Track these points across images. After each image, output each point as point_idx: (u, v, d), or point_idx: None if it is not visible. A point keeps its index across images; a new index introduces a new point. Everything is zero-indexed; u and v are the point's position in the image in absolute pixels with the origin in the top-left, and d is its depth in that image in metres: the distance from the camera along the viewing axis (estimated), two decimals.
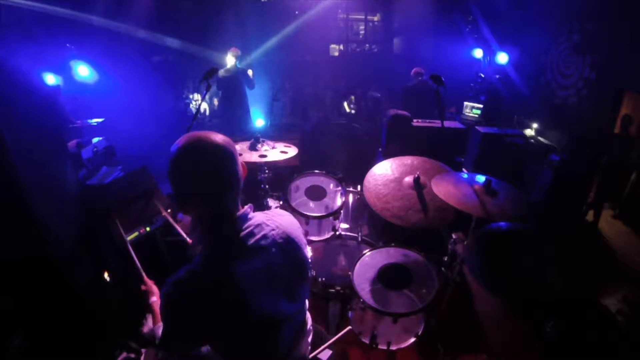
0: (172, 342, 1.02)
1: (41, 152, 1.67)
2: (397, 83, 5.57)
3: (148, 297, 1.40)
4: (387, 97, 6.32)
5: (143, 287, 1.45)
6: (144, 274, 1.53)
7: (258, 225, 1.07)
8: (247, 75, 4.84)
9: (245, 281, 0.98)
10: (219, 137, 0.98)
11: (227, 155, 0.98)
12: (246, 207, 1.08)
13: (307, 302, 1.27)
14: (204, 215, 1.02)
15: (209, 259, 0.99)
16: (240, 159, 1.04)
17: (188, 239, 1.71)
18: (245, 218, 1.05)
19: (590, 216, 3.26)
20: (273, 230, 1.09)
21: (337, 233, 2.44)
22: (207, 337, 1.00)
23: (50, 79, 4.70)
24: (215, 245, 1.01)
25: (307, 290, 1.23)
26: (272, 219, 1.12)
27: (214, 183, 0.97)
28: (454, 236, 2.03)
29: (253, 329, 1.01)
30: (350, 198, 2.65)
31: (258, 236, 1.05)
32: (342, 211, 2.42)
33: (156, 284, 1.48)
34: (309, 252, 2.36)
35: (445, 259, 2.08)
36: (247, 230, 1.04)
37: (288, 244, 1.11)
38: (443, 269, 2.08)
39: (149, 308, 1.38)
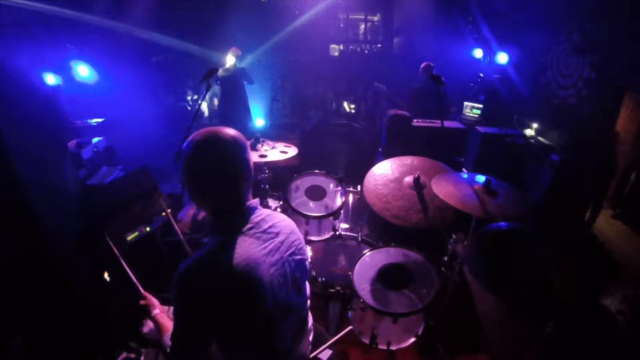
0: (185, 342, 0.99)
1: (41, 152, 1.67)
2: (397, 83, 5.57)
3: (150, 311, 1.37)
4: (388, 95, 6.32)
5: (142, 302, 1.42)
6: (140, 288, 1.51)
7: (267, 215, 1.12)
8: (246, 72, 4.84)
9: (257, 268, 0.99)
10: (232, 131, 1.03)
11: (240, 147, 1.01)
12: (254, 200, 1.12)
13: (308, 300, 1.28)
14: (216, 208, 1.05)
15: (220, 246, 1.00)
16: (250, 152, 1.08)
17: (185, 244, 1.70)
18: (255, 207, 1.10)
19: (589, 216, 3.26)
20: (280, 221, 1.15)
21: (337, 233, 2.43)
22: (215, 326, 0.98)
23: (50, 79, 4.70)
24: (227, 234, 1.03)
25: (307, 285, 1.26)
26: (274, 214, 1.18)
27: (229, 175, 1.00)
28: (453, 236, 2.03)
29: (260, 320, 1.01)
30: (350, 198, 2.65)
31: (269, 223, 1.10)
32: (342, 211, 2.42)
33: (155, 290, 1.46)
34: (309, 252, 2.36)
35: (445, 259, 2.08)
36: (258, 219, 1.08)
37: (292, 237, 1.17)
38: (443, 269, 2.08)
39: (153, 321, 1.35)
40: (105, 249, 1.69)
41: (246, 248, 1.00)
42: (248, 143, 1.08)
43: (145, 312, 1.38)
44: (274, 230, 1.11)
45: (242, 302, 0.97)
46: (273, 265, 1.05)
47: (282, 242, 1.11)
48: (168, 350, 1.10)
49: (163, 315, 1.35)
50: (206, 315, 0.94)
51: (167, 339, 1.18)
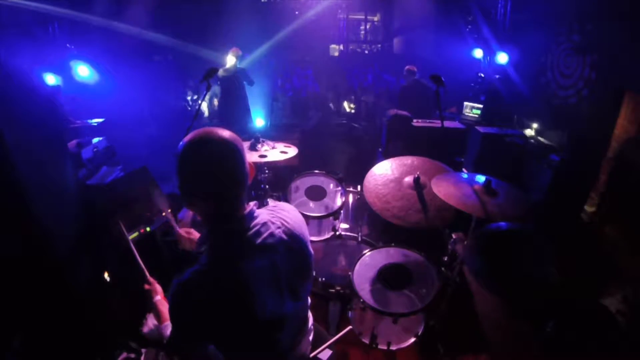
0: (181, 343, 1.01)
1: (41, 152, 1.67)
2: (397, 83, 5.59)
3: (152, 296, 1.37)
4: (386, 95, 6.34)
5: (146, 286, 1.41)
6: (147, 273, 1.50)
7: (264, 224, 1.05)
8: (246, 73, 4.85)
9: (252, 280, 0.97)
10: (226, 133, 0.98)
11: (234, 151, 0.97)
12: (251, 204, 1.06)
13: (309, 299, 1.27)
14: (210, 213, 1.01)
15: (215, 258, 0.98)
16: (248, 158, 1.03)
17: (179, 232, 1.68)
18: (251, 217, 1.04)
19: (591, 217, 3.26)
20: (278, 228, 1.08)
21: (337, 233, 2.44)
22: (213, 335, 0.99)
23: (50, 79, 4.70)
24: (222, 245, 1.00)
25: (309, 288, 1.23)
26: (277, 216, 1.11)
27: (220, 179, 0.96)
28: (454, 236, 2.03)
29: (258, 326, 1.00)
30: (350, 198, 2.65)
31: (265, 235, 1.03)
32: (342, 211, 2.42)
33: (158, 283, 1.47)
34: None
35: (445, 259, 2.08)
36: (254, 230, 1.02)
37: (293, 241, 1.10)
38: (443, 269, 2.07)
39: (152, 307, 1.34)
40: (113, 235, 1.67)
41: (240, 260, 0.97)
42: (245, 146, 1.02)
43: (148, 297, 1.37)
44: (270, 242, 1.04)
45: (235, 313, 0.96)
46: (266, 279, 1.01)
47: (279, 252, 1.05)
48: (165, 341, 1.13)
49: (164, 302, 1.34)
50: (199, 326, 0.95)
51: (165, 330, 1.18)
